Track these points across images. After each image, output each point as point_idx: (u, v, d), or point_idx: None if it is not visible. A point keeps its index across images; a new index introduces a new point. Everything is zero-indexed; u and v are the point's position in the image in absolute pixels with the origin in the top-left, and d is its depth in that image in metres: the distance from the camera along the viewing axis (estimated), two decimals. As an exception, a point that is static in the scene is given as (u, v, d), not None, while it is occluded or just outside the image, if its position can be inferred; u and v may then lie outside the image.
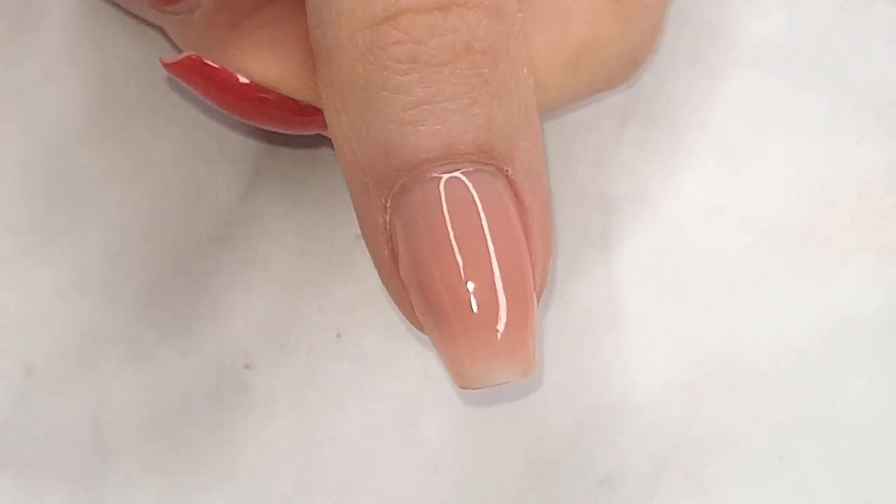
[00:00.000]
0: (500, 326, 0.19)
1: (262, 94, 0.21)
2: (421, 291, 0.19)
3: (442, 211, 0.19)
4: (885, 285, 0.27)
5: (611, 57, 0.22)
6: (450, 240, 0.19)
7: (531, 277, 0.20)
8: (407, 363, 0.26)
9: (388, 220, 0.20)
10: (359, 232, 0.26)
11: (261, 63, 0.21)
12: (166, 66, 0.21)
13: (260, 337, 0.26)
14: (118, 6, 0.26)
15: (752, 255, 0.27)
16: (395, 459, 0.26)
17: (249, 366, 0.26)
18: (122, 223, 0.26)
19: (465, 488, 0.26)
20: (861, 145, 0.27)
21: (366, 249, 0.26)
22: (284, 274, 0.26)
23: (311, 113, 0.21)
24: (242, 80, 0.21)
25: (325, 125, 0.21)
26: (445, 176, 0.19)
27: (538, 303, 0.20)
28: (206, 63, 0.21)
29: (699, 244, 0.27)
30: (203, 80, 0.21)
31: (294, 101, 0.21)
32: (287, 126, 0.22)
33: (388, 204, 0.20)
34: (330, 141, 0.21)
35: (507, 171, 0.20)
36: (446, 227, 0.19)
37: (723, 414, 0.26)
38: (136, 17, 0.26)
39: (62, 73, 0.26)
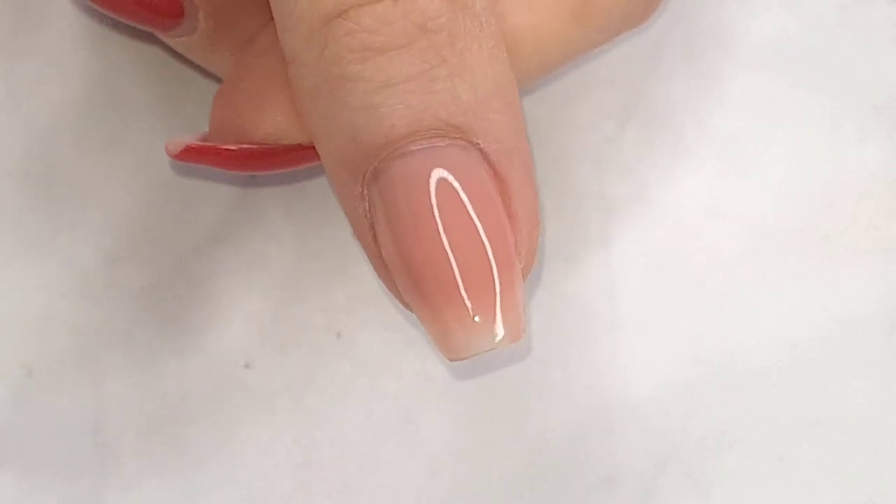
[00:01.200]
0: (485, 291, 0.19)
1: (269, 148, 0.22)
2: (403, 268, 0.20)
3: (415, 186, 0.19)
4: (885, 285, 0.27)
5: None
6: (426, 212, 0.19)
7: (513, 244, 0.20)
8: (407, 363, 0.26)
9: (367, 206, 0.20)
10: (359, 232, 0.26)
11: (266, 120, 0.22)
12: (173, 157, 0.22)
13: (260, 337, 0.26)
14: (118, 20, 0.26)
15: (752, 255, 0.27)
16: (395, 459, 0.26)
17: (249, 366, 0.26)
18: (122, 223, 0.26)
19: (465, 488, 0.26)
20: (861, 145, 0.27)
21: (366, 249, 0.26)
22: (284, 274, 0.26)
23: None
24: (244, 146, 0.22)
25: None
26: (415, 150, 0.19)
27: (529, 269, 0.20)
28: (205, 146, 0.22)
29: (699, 244, 0.27)
30: (209, 157, 0.22)
31: (298, 145, 0.22)
32: (302, 163, 0.23)
33: (364, 191, 0.20)
34: None
35: (479, 143, 0.20)
36: (421, 200, 0.19)
37: (723, 414, 0.26)
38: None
39: (62, 74, 0.26)
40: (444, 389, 0.26)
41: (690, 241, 0.27)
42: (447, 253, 0.19)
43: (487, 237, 0.19)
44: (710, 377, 0.26)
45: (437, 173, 0.19)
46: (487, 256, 0.19)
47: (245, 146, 0.22)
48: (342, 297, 0.26)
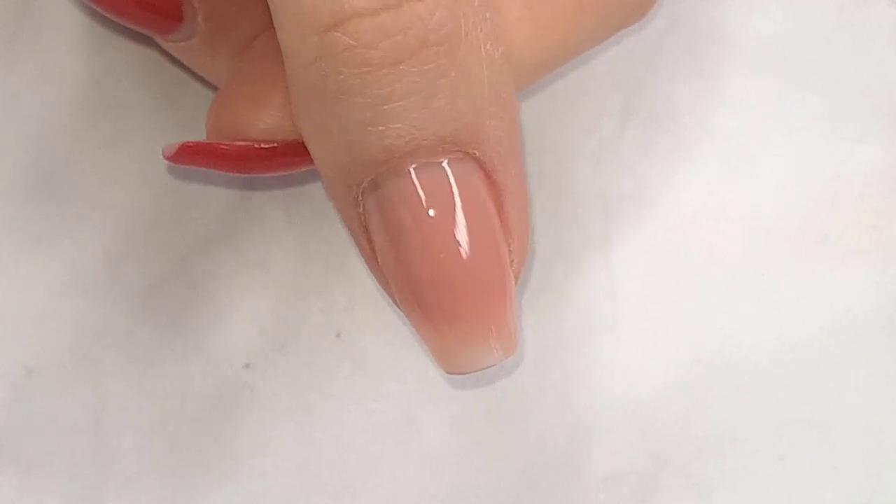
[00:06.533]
0: (484, 310, 0.19)
1: (266, 147, 0.22)
2: (400, 283, 0.20)
3: (414, 204, 0.19)
4: (884, 285, 0.27)
5: None
6: (424, 232, 0.19)
7: (507, 259, 0.20)
8: (407, 363, 0.26)
9: (361, 211, 0.20)
10: (359, 232, 0.26)
11: (261, 118, 0.22)
12: (168, 159, 0.22)
13: (260, 337, 0.26)
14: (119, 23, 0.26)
15: (752, 255, 0.27)
16: (395, 459, 0.26)
17: (249, 366, 0.26)
18: (122, 224, 0.26)
19: (465, 488, 0.26)
20: (861, 145, 0.27)
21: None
22: (284, 274, 0.26)
23: None
24: (239, 144, 0.22)
25: None
26: (414, 169, 0.19)
27: (520, 274, 0.21)
28: (201, 144, 0.22)
29: (699, 244, 0.27)
30: (206, 157, 0.22)
31: (294, 141, 0.22)
32: (300, 165, 0.22)
33: (360, 198, 0.20)
34: None
35: (476, 153, 0.20)
36: (420, 219, 0.19)
37: (723, 414, 0.26)
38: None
39: (62, 74, 0.26)
40: (444, 389, 0.26)
41: (690, 241, 0.27)
42: (447, 272, 0.19)
43: (484, 255, 0.20)
44: (710, 377, 0.26)
45: (436, 190, 0.19)
46: (485, 275, 0.20)
47: (241, 143, 0.22)
48: (342, 297, 0.26)
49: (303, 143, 0.22)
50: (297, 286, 0.26)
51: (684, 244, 0.27)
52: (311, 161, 0.22)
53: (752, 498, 0.26)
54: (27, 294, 0.26)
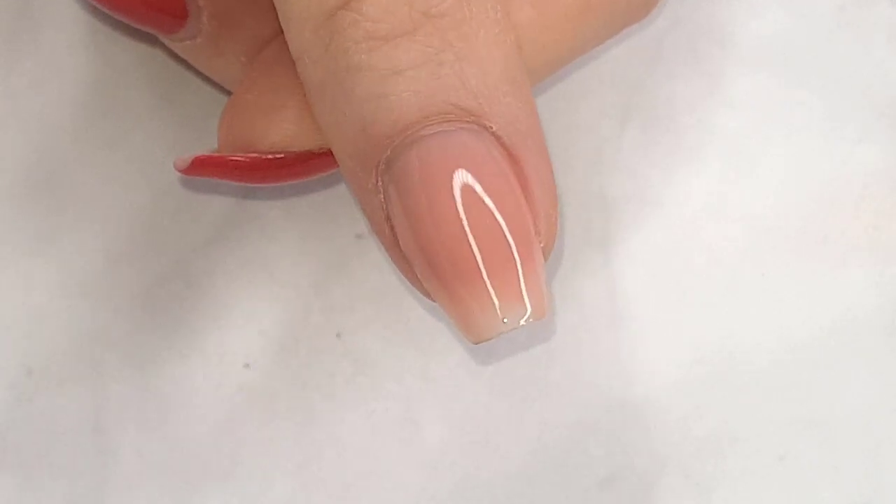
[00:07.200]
0: (507, 272, 0.19)
1: (279, 158, 0.22)
2: (422, 256, 0.20)
3: (430, 171, 0.19)
4: (884, 285, 0.27)
5: None
6: (442, 197, 0.19)
7: (530, 221, 0.20)
8: (407, 363, 0.26)
9: (382, 199, 0.20)
10: (359, 232, 0.26)
11: (275, 130, 0.22)
12: (181, 171, 0.22)
13: (260, 337, 0.26)
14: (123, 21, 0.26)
15: (752, 255, 0.27)
16: (395, 459, 0.26)
17: (249, 366, 0.26)
18: (121, 224, 0.26)
19: (465, 488, 0.26)
20: (861, 145, 0.27)
21: (365, 250, 0.26)
22: (284, 274, 0.26)
23: (325, 155, 0.22)
24: (252, 155, 0.22)
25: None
26: (427, 135, 0.19)
27: (550, 248, 0.20)
28: (213, 156, 0.22)
29: (699, 244, 0.27)
30: (218, 169, 0.22)
31: (307, 151, 0.22)
32: (310, 174, 0.22)
33: (379, 182, 0.20)
34: None
35: (491, 127, 0.19)
36: (437, 185, 0.19)
37: (723, 414, 0.26)
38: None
39: (62, 74, 0.26)
40: (444, 389, 0.26)
41: (691, 240, 0.27)
42: (467, 237, 0.19)
43: (505, 218, 0.19)
44: (710, 377, 0.26)
45: (451, 157, 0.19)
46: (506, 238, 0.19)
47: (254, 155, 0.22)
48: (342, 297, 0.26)
49: (315, 153, 0.22)
50: (297, 286, 0.26)
51: (684, 244, 0.27)
52: (321, 169, 0.22)
53: (752, 498, 0.26)
54: (27, 294, 0.26)
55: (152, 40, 0.26)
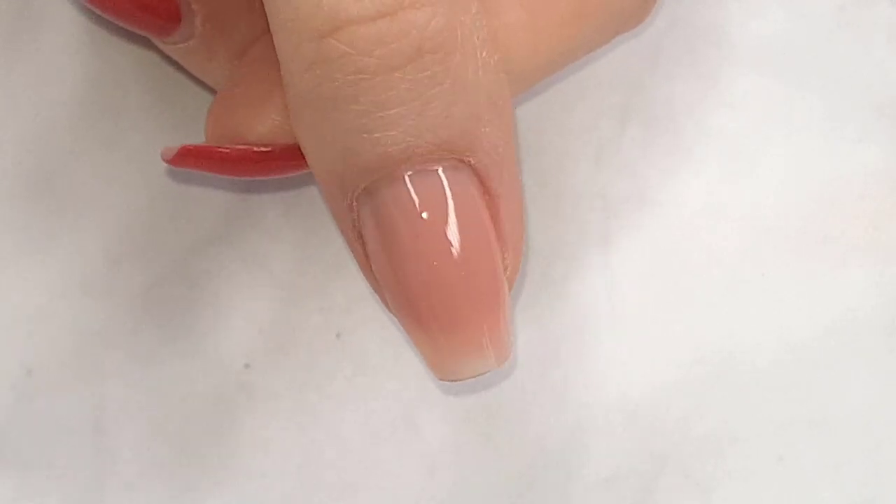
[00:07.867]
0: (478, 318, 0.19)
1: (265, 150, 0.22)
2: (394, 289, 0.20)
3: (409, 212, 0.19)
4: (884, 285, 0.27)
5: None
6: (418, 239, 0.19)
7: (501, 267, 0.20)
8: (407, 363, 0.26)
9: (355, 217, 0.20)
10: (358, 232, 0.26)
11: (261, 121, 0.22)
12: (167, 161, 0.22)
13: (260, 337, 0.26)
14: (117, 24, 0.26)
15: (752, 255, 0.27)
16: (395, 459, 0.26)
17: (249, 366, 0.26)
18: (121, 224, 0.26)
19: (465, 488, 0.26)
20: (861, 145, 0.27)
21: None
22: (284, 274, 0.26)
23: None
24: (238, 147, 0.22)
25: None
26: (408, 176, 0.19)
27: (514, 281, 0.20)
28: (200, 147, 0.22)
29: (699, 244, 0.27)
30: (205, 160, 0.22)
31: (294, 144, 0.22)
32: (299, 168, 0.22)
33: (354, 204, 0.20)
34: None
35: (471, 160, 0.19)
36: (415, 227, 0.19)
37: (722, 414, 0.26)
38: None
39: (61, 75, 0.26)
40: (445, 389, 0.26)
41: (690, 240, 0.27)
42: (441, 280, 0.19)
43: (478, 263, 0.20)
44: (710, 377, 0.26)
45: (431, 197, 0.19)
46: (479, 283, 0.20)
47: (241, 147, 0.22)
48: (342, 298, 0.26)
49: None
50: (297, 286, 0.26)
51: (684, 244, 0.27)
52: (306, 164, 0.22)
53: (752, 498, 0.26)
54: (27, 294, 0.26)
55: (149, 42, 0.26)
